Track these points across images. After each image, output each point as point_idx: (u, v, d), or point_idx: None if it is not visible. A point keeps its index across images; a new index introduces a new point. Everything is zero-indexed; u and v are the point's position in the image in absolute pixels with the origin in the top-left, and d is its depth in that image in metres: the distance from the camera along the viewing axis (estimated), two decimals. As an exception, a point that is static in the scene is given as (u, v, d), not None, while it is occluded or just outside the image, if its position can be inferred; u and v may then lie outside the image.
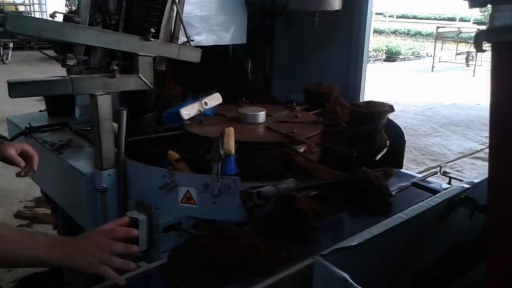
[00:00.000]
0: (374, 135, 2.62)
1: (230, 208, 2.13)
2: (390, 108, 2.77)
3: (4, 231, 1.44)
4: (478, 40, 0.91)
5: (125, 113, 2.24)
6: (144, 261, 1.96)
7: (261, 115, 2.77)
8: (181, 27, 2.47)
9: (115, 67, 2.19)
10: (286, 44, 3.81)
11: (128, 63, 2.35)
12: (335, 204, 2.11)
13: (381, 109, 2.72)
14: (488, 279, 1.10)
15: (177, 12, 2.42)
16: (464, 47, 20.42)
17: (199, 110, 2.74)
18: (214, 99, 2.89)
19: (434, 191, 2.12)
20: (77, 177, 2.37)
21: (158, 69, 2.43)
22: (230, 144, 2.22)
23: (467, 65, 18.48)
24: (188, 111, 2.73)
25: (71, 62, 2.59)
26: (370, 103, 2.80)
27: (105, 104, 2.18)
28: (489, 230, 1.08)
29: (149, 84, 2.27)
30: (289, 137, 2.48)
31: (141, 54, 2.25)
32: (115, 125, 2.31)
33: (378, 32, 28.40)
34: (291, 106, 3.09)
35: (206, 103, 2.78)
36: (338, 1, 3.10)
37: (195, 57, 2.47)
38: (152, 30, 2.27)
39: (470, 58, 18.54)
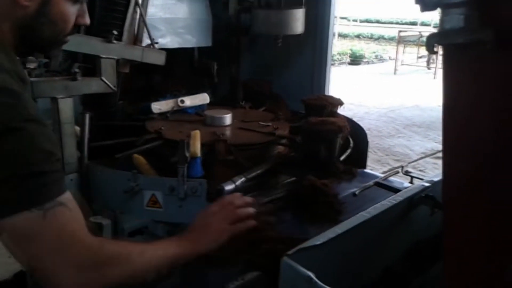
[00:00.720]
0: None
1: (197, 211, 2.12)
2: (340, 101, 2.89)
3: (134, 244, 1.47)
4: (429, 42, 0.94)
5: (88, 116, 2.20)
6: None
7: (229, 117, 2.79)
8: (145, 30, 2.45)
9: (77, 70, 2.15)
10: (251, 45, 3.84)
11: (90, 65, 2.31)
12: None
13: (331, 102, 2.84)
14: (445, 274, 1.14)
15: (140, 14, 2.41)
16: (425, 51, 20.97)
17: (173, 107, 2.79)
18: (198, 99, 2.92)
19: (396, 190, 2.18)
20: (39, 182, 2.30)
21: (121, 71, 2.40)
22: (196, 147, 2.22)
23: (428, 68, 19.04)
24: (160, 106, 2.79)
25: (31, 65, 2.53)
26: (321, 97, 2.93)
27: (66, 107, 2.14)
28: (444, 225, 1.12)
29: (112, 86, 2.24)
30: (274, 135, 2.60)
31: (104, 56, 2.22)
32: (78, 128, 2.27)
33: (342, 36, 28.85)
34: (241, 106, 3.18)
35: (182, 101, 2.81)
36: (300, 25, 3.19)
37: (159, 59, 2.45)
38: (115, 32, 2.24)
39: (431, 61, 19.10)
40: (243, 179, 2.19)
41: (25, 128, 1.10)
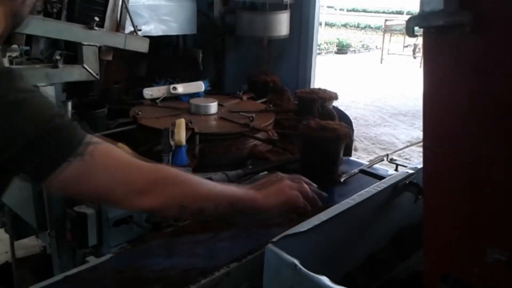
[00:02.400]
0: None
1: (182, 199, 2.11)
2: (334, 95, 2.87)
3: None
4: (409, 26, 0.94)
5: (70, 104, 2.17)
6: (93, 256, 1.91)
7: (213, 106, 2.77)
8: (128, 16, 2.42)
9: (58, 57, 2.11)
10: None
11: (72, 53, 2.28)
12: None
13: (325, 96, 2.81)
14: (425, 258, 1.15)
15: (123, 1, 2.36)
16: (411, 39, 21.10)
17: (165, 94, 2.81)
18: (191, 87, 2.90)
19: (380, 177, 2.19)
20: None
21: (104, 59, 2.36)
22: (181, 135, 2.20)
23: (414, 57, 19.14)
24: (151, 92, 2.79)
25: (13, 54, 2.48)
26: (314, 90, 2.90)
27: (48, 95, 2.10)
28: (424, 210, 1.13)
29: (94, 74, 2.21)
30: (248, 127, 2.52)
31: (85, 43, 2.18)
32: (60, 117, 2.23)
33: (329, 25, 28.83)
34: (238, 96, 3.14)
35: (174, 88, 2.83)
36: (285, 28, 3.20)
37: (142, 47, 2.42)
38: (96, 18, 2.21)
39: (417, 50, 19.21)
40: (239, 172, 2.19)
41: (31, 94, 1.11)
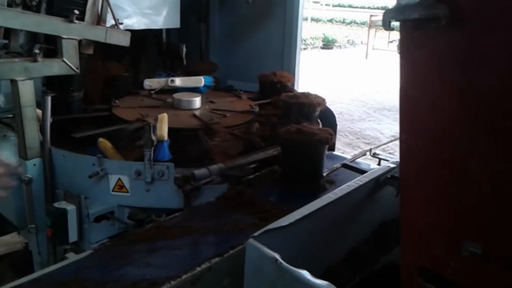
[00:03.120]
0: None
1: (164, 195, 2.10)
2: (323, 101, 2.82)
3: None
4: (385, 19, 0.94)
5: (49, 99, 2.13)
6: (73, 252, 1.89)
7: (196, 101, 2.75)
8: (109, 9, 2.38)
9: (37, 51, 2.07)
10: (221, 25, 3.79)
11: (52, 47, 2.24)
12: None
13: (313, 101, 2.77)
14: (401, 252, 1.16)
15: (104, -6, 2.33)
16: (396, 35, 21.22)
17: (163, 86, 2.85)
18: (190, 81, 2.89)
19: (363, 172, 2.20)
20: (0, 168, 2.24)
21: (84, 53, 2.33)
22: (163, 130, 2.18)
23: (399, 53, 19.22)
24: (151, 83, 2.84)
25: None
26: (304, 94, 2.85)
27: (27, 90, 2.07)
28: (401, 203, 1.14)
29: (74, 68, 2.18)
30: (207, 125, 2.46)
31: (65, 37, 2.14)
32: (40, 112, 2.20)
33: (315, 20, 28.85)
34: (237, 94, 3.11)
35: (172, 81, 2.86)
36: None
37: (123, 40, 2.39)
38: (76, 11, 2.17)
39: (399, 51, 19.27)
40: (221, 166, 2.17)
41: None
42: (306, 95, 2.81)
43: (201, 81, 2.97)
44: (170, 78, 2.89)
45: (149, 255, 1.59)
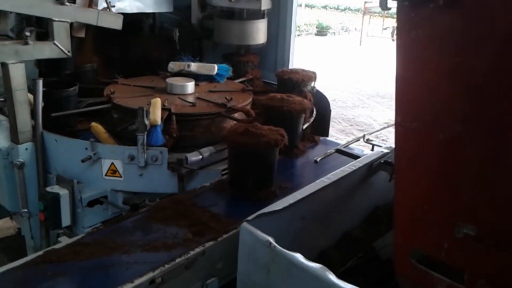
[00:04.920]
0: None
1: (158, 179, 2.10)
2: (314, 75, 2.84)
3: None
4: (383, -2, 0.93)
5: (41, 82, 2.11)
6: (66, 236, 1.89)
7: (190, 86, 2.72)
8: (101, -8, 2.35)
9: (28, 34, 2.04)
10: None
11: (43, 29, 2.20)
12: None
13: (307, 76, 2.78)
14: (394, 233, 1.17)
15: (96, -24, 2.29)
16: (390, 22, 21.18)
17: (182, 70, 2.86)
18: (204, 68, 2.88)
19: (356, 157, 2.20)
20: (-8, 152, 2.22)
21: (76, 36, 2.29)
22: (156, 115, 2.16)
23: (393, 39, 19.22)
24: (173, 66, 2.87)
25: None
26: (296, 71, 2.87)
27: (18, 73, 2.04)
28: (395, 186, 1.14)
29: (66, 51, 2.15)
30: (225, 107, 2.46)
31: (56, 19, 2.11)
32: (31, 96, 2.17)
33: (309, 6, 28.66)
34: (246, 87, 3.08)
35: (188, 66, 2.86)
36: (262, 36, 3.17)
37: (116, 23, 2.35)
38: (68, -6, 2.13)
39: (396, 32, 19.26)
40: (212, 150, 2.17)
41: None
42: (297, 70, 2.88)
43: (213, 69, 2.91)
44: (187, 63, 2.87)
45: (52, 279, 1.37)
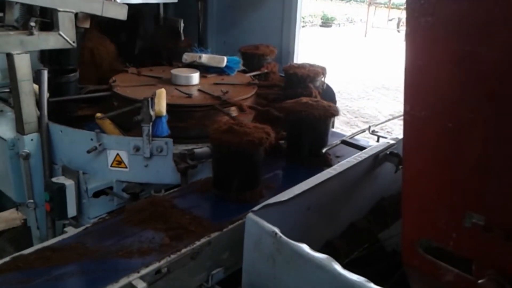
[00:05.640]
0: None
1: (163, 170, 2.10)
2: (323, 70, 2.82)
3: None
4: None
5: (46, 73, 2.11)
6: (72, 227, 1.90)
7: (194, 77, 2.72)
8: (105, -18, 2.33)
9: (33, 24, 2.03)
10: (219, 1, 3.74)
11: (48, 20, 2.20)
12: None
13: (314, 71, 2.76)
14: (402, 223, 1.16)
15: (100, -34, 2.28)
16: (395, 13, 21.04)
17: (195, 60, 2.87)
18: (214, 60, 2.87)
19: (362, 148, 2.20)
20: (-2, 143, 2.23)
21: (81, 26, 2.29)
22: (161, 106, 2.16)
23: (398, 31, 19.12)
24: (187, 57, 2.89)
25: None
26: (303, 65, 2.84)
27: (23, 63, 2.04)
28: (403, 175, 1.14)
29: (71, 42, 2.14)
30: (220, 99, 2.44)
31: (61, 9, 2.10)
32: (36, 86, 2.17)
33: (314, -3, 28.50)
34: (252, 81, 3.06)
35: (200, 57, 2.88)
36: None
37: (120, 14, 2.34)
38: (73, -17, 2.12)
39: (401, 23, 19.16)
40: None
41: None
42: (305, 65, 2.84)
43: (222, 61, 2.89)
44: (198, 55, 2.87)
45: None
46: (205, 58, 2.87)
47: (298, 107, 2.16)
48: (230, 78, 2.88)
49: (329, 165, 2.06)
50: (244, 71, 3.10)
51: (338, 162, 1.92)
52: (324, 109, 2.16)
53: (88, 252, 1.47)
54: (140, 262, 1.41)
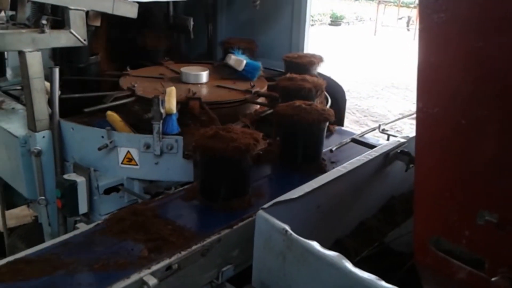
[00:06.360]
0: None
1: (173, 168, 2.11)
2: (320, 59, 2.85)
3: None
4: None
5: (57, 70, 2.12)
6: (83, 223, 1.91)
7: (204, 75, 2.73)
8: (116, -20, 2.34)
9: (44, 22, 2.05)
10: (228, 2, 3.75)
11: (59, 18, 2.22)
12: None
13: (312, 60, 2.76)
14: (414, 220, 1.16)
15: (111, -36, 2.29)
16: (405, 11, 20.91)
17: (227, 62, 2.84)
18: (235, 62, 2.83)
19: (372, 146, 2.19)
20: (10, 140, 2.25)
21: (92, 24, 2.30)
22: (172, 103, 2.17)
23: (408, 29, 19.01)
24: (227, 58, 2.84)
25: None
26: (301, 55, 2.87)
27: (35, 61, 2.05)
28: (415, 172, 1.13)
29: (82, 40, 2.15)
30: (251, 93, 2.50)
31: (72, 8, 2.11)
32: (48, 84, 2.19)
33: (323, -5, 28.40)
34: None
35: (229, 57, 2.85)
36: None
37: (131, 12, 2.35)
38: (84, -18, 2.14)
39: (411, 22, 19.05)
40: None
41: None
42: (304, 55, 2.90)
43: (241, 64, 2.83)
44: (228, 54, 2.85)
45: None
46: (232, 59, 2.83)
47: (290, 111, 2.05)
48: (240, 83, 2.76)
49: (323, 171, 1.92)
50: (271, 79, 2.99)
51: (333, 168, 1.84)
52: (318, 113, 2.03)
53: (62, 265, 1.40)
54: (116, 276, 1.34)
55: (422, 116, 1.01)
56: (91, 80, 2.77)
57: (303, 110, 2.04)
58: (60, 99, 2.18)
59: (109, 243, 1.52)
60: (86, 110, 2.27)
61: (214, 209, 1.75)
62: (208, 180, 1.82)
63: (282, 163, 2.15)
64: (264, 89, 2.63)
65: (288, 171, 2.11)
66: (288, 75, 2.57)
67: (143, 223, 1.60)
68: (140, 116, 2.32)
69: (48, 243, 1.53)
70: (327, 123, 2.12)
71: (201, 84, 2.70)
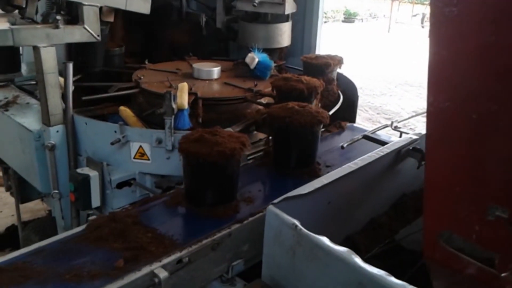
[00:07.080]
0: (326, 86, 2.59)
1: (184, 163, 2.12)
2: (340, 61, 2.80)
3: None
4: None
5: (71, 66, 2.15)
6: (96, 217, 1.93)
7: (216, 71, 2.73)
8: (129, -24, 2.36)
9: (59, 18, 2.07)
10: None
11: (73, 14, 2.24)
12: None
13: (331, 61, 2.74)
14: (425, 215, 1.15)
15: (125, -40, 2.31)
16: (419, 8, 20.70)
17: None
18: (249, 59, 2.81)
19: (383, 143, 2.18)
20: (25, 134, 2.28)
21: (105, 20, 2.32)
22: (183, 99, 2.18)
23: (422, 26, 18.81)
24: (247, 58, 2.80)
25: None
26: (320, 56, 2.84)
27: (49, 56, 2.08)
28: (426, 167, 1.12)
29: (95, 35, 2.17)
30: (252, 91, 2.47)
31: (86, 3, 2.13)
32: (62, 79, 2.22)
33: (336, -8, 28.24)
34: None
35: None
36: (287, 39, 3.12)
37: (144, 7, 2.37)
38: (97, -22, 2.16)
39: (425, 19, 18.84)
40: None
41: None
42: (322, 56, 2.84)
43: (253, 62, 2.78)
44: (250, 54, 2.83)
45: None
46: (248, 57, 2.80)
47: (282, 113, 1.97)
48: (249, 82, 2.71)
49: (317, 176, 1.82)
50: None
51: (328, 172, 1.76)
52: (311, 115, 1.94)
53: (34, 274, 1.33)
54: (88, 286, 1.28)
55: (433, 111, 1.01)
56: (112, 71, 2.83)
57: (295, 112, 1.95)
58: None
59: (86, 251, 1.45)
60: (85, 98, 2.31)
61: (199, 216, 1.68)
62: (193, 186, 1.74)
63: (275, 167, 2.08)
64: (268, 89, 2.56)
65: (280, 175, 2.04)
66: (284, 74, 2.54)
67: (122, 231, 1.53)
68: (144, 108, 2.37)
69: (21, 251, 1.47)
70: (321, 126, 2.03)
71: (211, 80, 2.70)
